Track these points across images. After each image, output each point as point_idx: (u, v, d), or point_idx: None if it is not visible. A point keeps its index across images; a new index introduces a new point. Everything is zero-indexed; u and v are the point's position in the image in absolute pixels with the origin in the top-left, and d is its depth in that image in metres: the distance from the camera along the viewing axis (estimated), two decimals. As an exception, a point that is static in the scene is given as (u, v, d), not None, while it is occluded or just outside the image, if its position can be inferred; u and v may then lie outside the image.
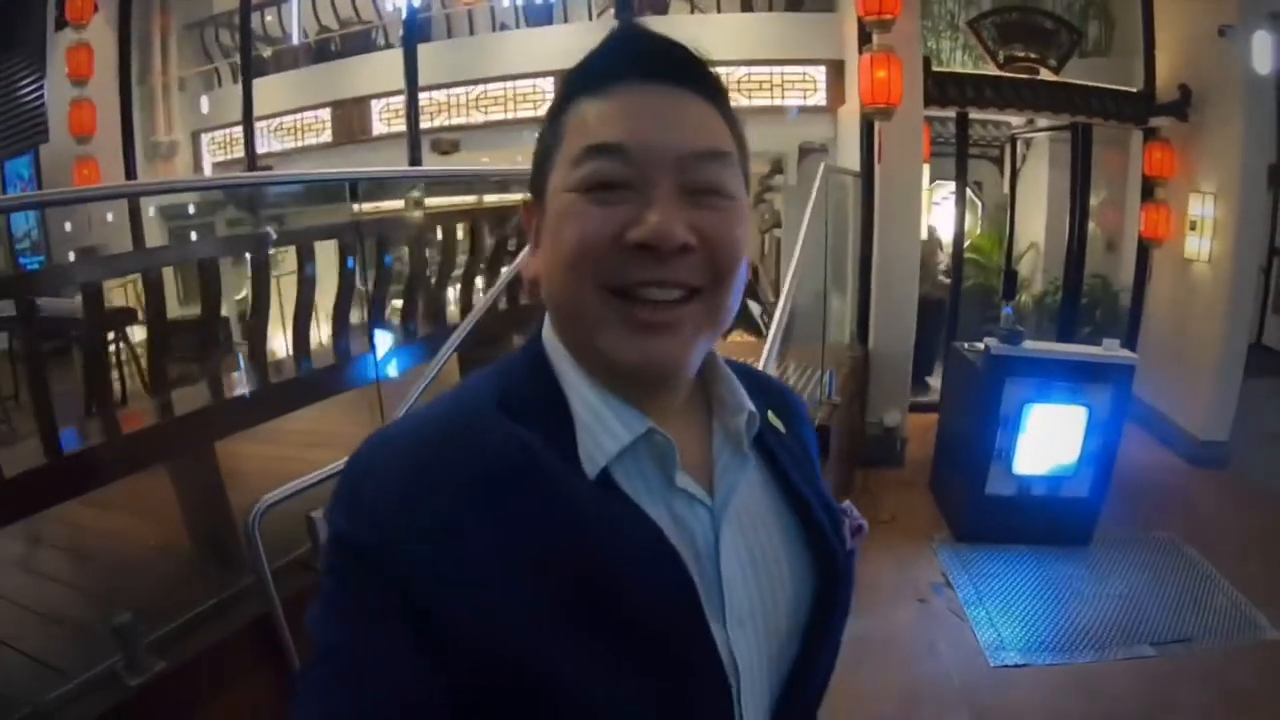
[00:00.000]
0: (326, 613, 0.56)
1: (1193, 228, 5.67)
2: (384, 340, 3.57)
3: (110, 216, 6.99)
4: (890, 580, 3.98)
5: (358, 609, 0.55)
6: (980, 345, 4.38)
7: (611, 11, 7.37)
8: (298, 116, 7.65)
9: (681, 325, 0.61)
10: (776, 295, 4.24)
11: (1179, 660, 3.36)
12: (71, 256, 6.58)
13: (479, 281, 4.32)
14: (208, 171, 8.20)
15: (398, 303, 4.09)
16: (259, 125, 7.55)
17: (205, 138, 8.25)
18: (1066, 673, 3.28)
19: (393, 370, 3.60)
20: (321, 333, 3.52)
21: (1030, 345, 4.26)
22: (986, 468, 4.25)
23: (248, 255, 3.29)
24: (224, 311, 3.59)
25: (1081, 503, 4.27)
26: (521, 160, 7.38)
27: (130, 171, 7.30)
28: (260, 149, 7.58)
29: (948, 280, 6.62)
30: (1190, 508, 4.82)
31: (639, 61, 0.62)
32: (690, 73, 0.63)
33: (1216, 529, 4.50)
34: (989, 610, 3.72)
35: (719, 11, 7.31)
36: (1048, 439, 4.21)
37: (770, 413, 0.75)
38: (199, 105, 8.24)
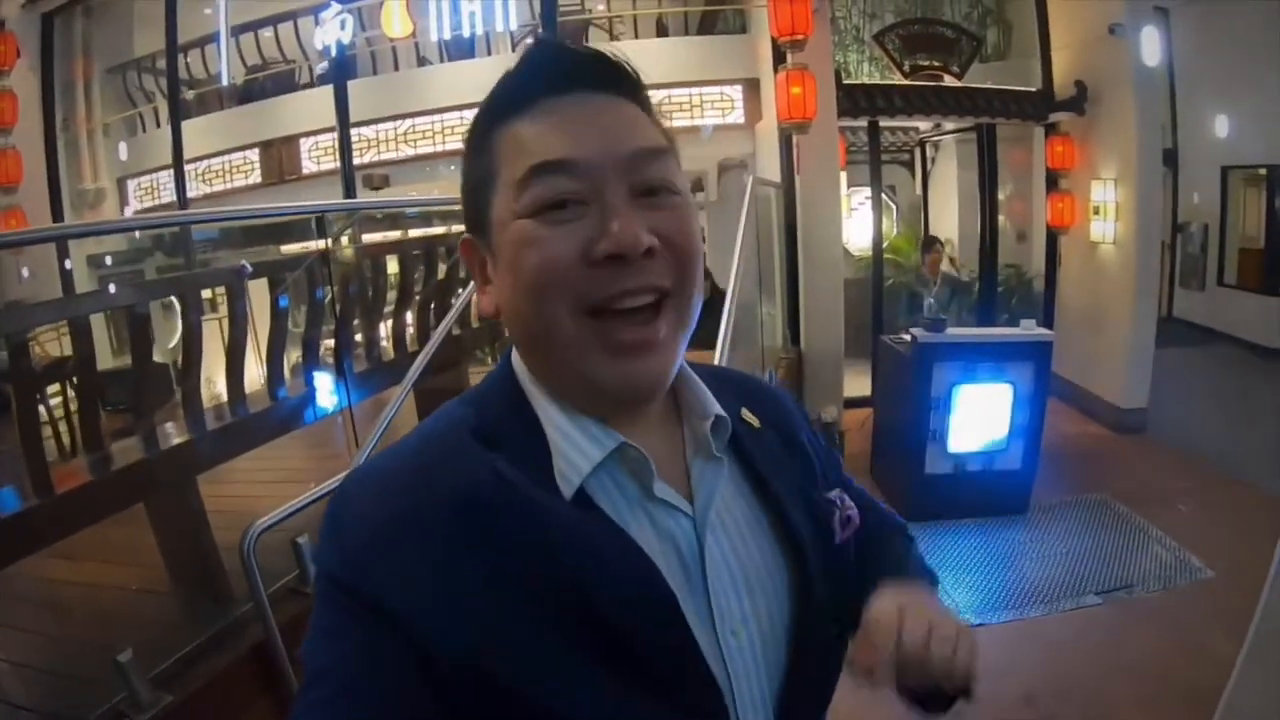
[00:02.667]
0: (316, 640, 0.57)
1: (1096, 213, 6.06)
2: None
3: (25, 272, 6.73)
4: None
5: (345, 633, 0.56)
6: (906, 337, 4.65)
7: (531, 41, 7.50)
8: (225, 158, 7.55)
9: (659, 340, 0.61)
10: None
11: (1125, 605, 3.61)
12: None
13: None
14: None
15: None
16: (186, 168, 7.41)
17: (132, 183, 8.05)
18: (1020, 627, 3.50)
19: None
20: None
21: (953, 331, 4.54)
22: (924, 449, 4.48)
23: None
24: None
25: (1015, 474, 4.53)
26: (437, 193, 7.44)
27: (58, 220, 7.05)
28: (190, 193, 7.44)
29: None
30: (1118, 470, 5.15)
31: (561, 73, 0.62)
32: (612, 77, 0.63)
33: (1144, 487, 4.79)
34: (940, 580, 3.92)
35: (636, 38, 7.54)
36: (978, 417, 4.47)
37: (744, 410, 0.74)
38: (123, 151, 8.04)
